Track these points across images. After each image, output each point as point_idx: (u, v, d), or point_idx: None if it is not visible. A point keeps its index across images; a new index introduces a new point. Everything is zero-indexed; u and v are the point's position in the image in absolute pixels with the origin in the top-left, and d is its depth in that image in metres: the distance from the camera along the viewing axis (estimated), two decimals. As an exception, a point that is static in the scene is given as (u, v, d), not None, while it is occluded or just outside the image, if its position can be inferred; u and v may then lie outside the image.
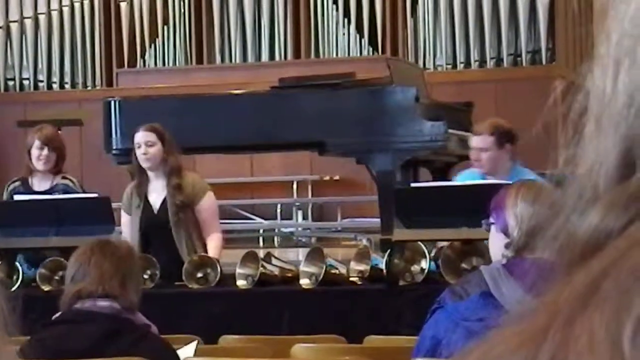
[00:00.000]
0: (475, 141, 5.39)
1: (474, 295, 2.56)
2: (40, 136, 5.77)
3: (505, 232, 2.73)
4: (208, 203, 5.44)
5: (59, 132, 8.89)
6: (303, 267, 5.03)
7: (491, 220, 2.81)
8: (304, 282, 4.97)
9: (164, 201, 5.38)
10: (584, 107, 0.52)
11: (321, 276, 4.89)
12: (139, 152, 5.41)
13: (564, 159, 0.52)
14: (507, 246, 2.70)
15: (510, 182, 5.10)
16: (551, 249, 0.51)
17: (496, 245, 2.79)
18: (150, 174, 5.44)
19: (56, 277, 5.04)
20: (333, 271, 5.00)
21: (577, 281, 0.47)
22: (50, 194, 5.70)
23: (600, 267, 0.47)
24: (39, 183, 5.79)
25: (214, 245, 5.34)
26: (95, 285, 2.91)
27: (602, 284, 0.46)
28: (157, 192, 5.43)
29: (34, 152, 5.75)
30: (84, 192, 6.00)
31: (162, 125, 5.57)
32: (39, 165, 5.74)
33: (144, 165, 5.41)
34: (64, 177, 5.88)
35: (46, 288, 5.08)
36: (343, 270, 5.03)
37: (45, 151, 5.73)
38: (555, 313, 0.47)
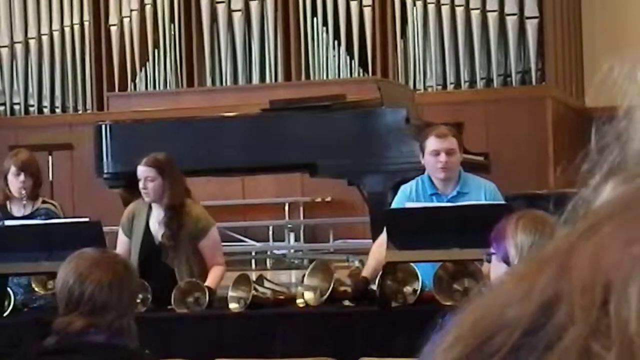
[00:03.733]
0: (442, 143, 5.11)
1: None
2: (16, 162, 5.68)
3: (507, 261, 2.73)
4: (211, 239, 5.42)
5: (50, 155, 8.92)
6: (307, 281, 5.01)
7: (492, 250, 2.81)
8: (308, 296, 4.96)
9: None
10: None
11: (328, 292, 4.87)
12: (139, 185, 5.39)
13: (584, 172, 0.56)
14: None
15: (455, 194, 5.10)
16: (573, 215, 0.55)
17: (497, 274, 2.79)
18: (152, 203, 5.42)
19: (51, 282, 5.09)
20: (342, 288, 4.99)
21: (577, 227, 0.52)
22: (32, 218, 5.65)
23: (590, 214, 0.52)
24: (18, 208, 5.72)
25: (212, 276, 5.32)
26: (90, 318, 2.86)
27: (601, 225, 0.51)
28: (159, 222, 5.40)
29: (10, 178, 5.67)
30: (65, 216, 5.95)
31: (166, 155, 5.48)
32: (15, 191, 5.66)
33: (145, 199, 5.41)
34: (44, 202, 5.82)
35: (39, 290, 5.11)
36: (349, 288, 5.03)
37: (22, 177, 5.65)
38: (554, 252, 0.51)
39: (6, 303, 5.23)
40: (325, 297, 4.89)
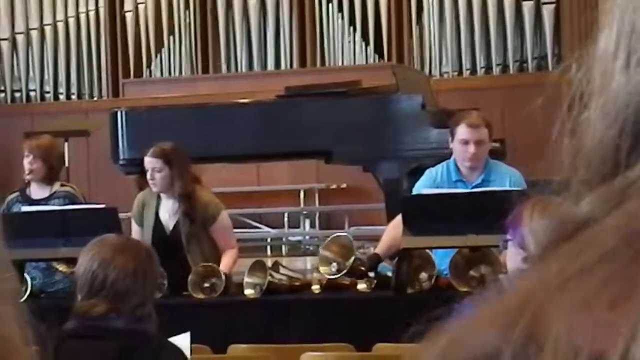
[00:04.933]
0: (473, 133, 5.08)
1: None
2: (27, 145, 5.77)
3: (523, 247, 2.72)
4: (222, 223, 5.41)
5: (66, 142, 8.95)
6: (322, 253, 5.02)
7: (508, 236, 2.81)
8: (323, 269, 4.97)
9: (177, 224, 5.36)
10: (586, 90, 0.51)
11: (347, 268, 4.87)
12: (147, 176, 5.39)
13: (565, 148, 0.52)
14: (524, 260, 2.69)
15: (480, 182, 5.08)
16: (545, 236, 0.51)
17: (514, 260, 2.79)
18: (161, 193, 5.43)
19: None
20: (362, 267, 4.99)
21: (553, 262, 0.47)
22: (49, 202, 5.68)
23: (574, 249, 0.47)
24: (37, 192, 5.77)
25: (226, 261, 5.31)
26: (112, 304, 2.87)
27: (574, 262, 0.46)
28: (169, 213, 5.39)
29: (24, 161, 5.75)
30: (85, 200, 5.97)
31: (172, 144, 5.47)
32: (27, 174, 5.73)
33: (153, 189, 5.40)
34: (62, 185, 5.85)
35: (62, 268, 5.27)
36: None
37: (30, 158, 5.70)
38: (531, 289, 0.46)
39: (23, 289, 5.25)
40: (343, 272, 4.89)
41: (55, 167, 5.82)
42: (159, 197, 5.42)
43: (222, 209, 5.46)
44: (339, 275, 4.91)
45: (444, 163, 5.24)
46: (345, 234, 5.22)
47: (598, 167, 0.50)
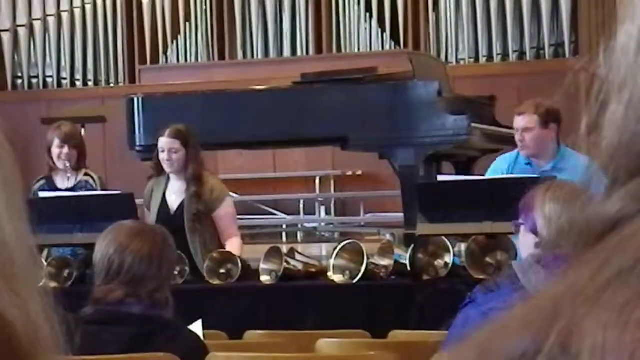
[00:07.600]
0: (518, 121, 5.20)
1: (505, 287, 2.55)
2: (60, 134, 5.75)
3: (535, 232, 2.72)
4: (226, 209, 5.42)
5: (83, 128, 8.97)
6: (334, 262, 4.99)
7: (520, 221, 2.81)
8: (338, 278, 4.94)
9: (182, 205, 5.38)
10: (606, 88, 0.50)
11: (360, 273, 4.85)
12: (162, 156, 5.40)
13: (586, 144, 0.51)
14: (537, 245, 2.70)
15: (549, 169, 5.10)
16: (571, 234, 0.50)
17: (526, 245, 2.79)
18: (171, 175, 5.45)
19: (64, 275, 5.11)
20: (377, 270, 4.96)
21: (585, 266, 0.46)
22: (74, 190, 5.71)
23: (607, 253, 0.46)
24: (62, 181, 5.79)
25: (232, 249, 5.33)
26: (129, 289, 2.88)
27: (608, 267, 0.45)
28: (176, 195, 5.42)
29: (54, 150, 5.74)
30: (105, 189, 5.99)
31: (186, 126, 5.51)
32: (59, 163, 5.73)
33: (167, 170, 5.42)
34: (86, 174, 5.87)
35: (53, 284, 5.10)
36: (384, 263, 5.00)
37: (66, 149, 5.71)
38: (564, 295, 0.46)
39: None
40: (357, 279, 4.87)
41: (86, 153, 5.89)
42: (168, 180, 5.46)
43: (228, 195, 5.49)
44: (354, 281, 4.89)
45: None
46: (353, 240, 5.20)
47: (625, 162, 0.48)
